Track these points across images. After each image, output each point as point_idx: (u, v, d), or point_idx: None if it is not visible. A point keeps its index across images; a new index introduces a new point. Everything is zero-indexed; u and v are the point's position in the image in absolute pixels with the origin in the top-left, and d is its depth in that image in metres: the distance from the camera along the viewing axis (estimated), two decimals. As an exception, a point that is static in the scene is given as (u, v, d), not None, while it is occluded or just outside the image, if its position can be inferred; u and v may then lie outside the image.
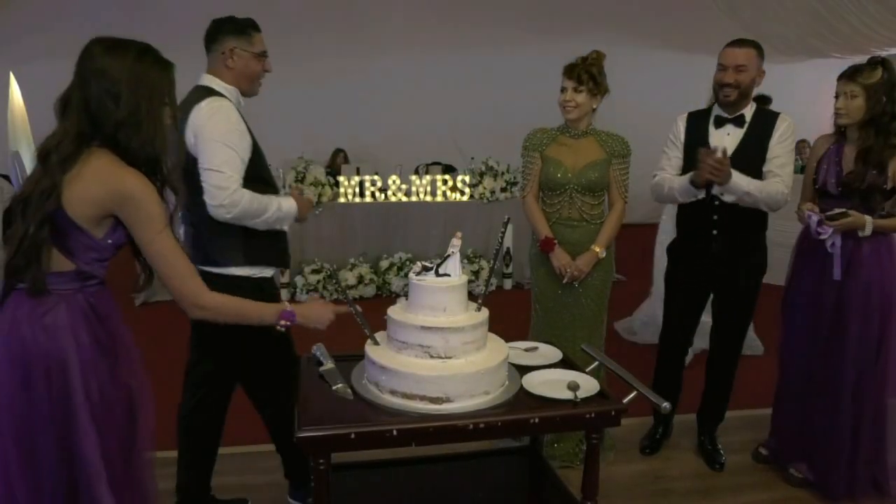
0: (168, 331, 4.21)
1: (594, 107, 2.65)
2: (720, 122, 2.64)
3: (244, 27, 2.19)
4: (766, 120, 2.61)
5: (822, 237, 2.47)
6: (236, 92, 2.23)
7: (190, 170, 2.06)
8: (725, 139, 2.61)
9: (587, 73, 2.57)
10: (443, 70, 8.13)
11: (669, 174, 2.70)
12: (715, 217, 2.64)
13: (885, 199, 2.46)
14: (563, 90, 2.64)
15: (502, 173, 5.84)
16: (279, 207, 2.19)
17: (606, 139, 2.70)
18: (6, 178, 6.19)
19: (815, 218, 2.48)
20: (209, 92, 2.16)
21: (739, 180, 2.45)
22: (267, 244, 2.24)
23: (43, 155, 1.56)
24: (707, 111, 2.71)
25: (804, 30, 6.33)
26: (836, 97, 2.50)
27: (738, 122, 2.61)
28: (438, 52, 7.91)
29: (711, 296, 2.84)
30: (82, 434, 1.55)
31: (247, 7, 7.04)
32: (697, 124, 2.68)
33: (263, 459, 2.89)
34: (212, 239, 2.16)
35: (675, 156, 2.71)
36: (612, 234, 2.72)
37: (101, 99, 1.54)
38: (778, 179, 2.53)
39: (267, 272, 2.27)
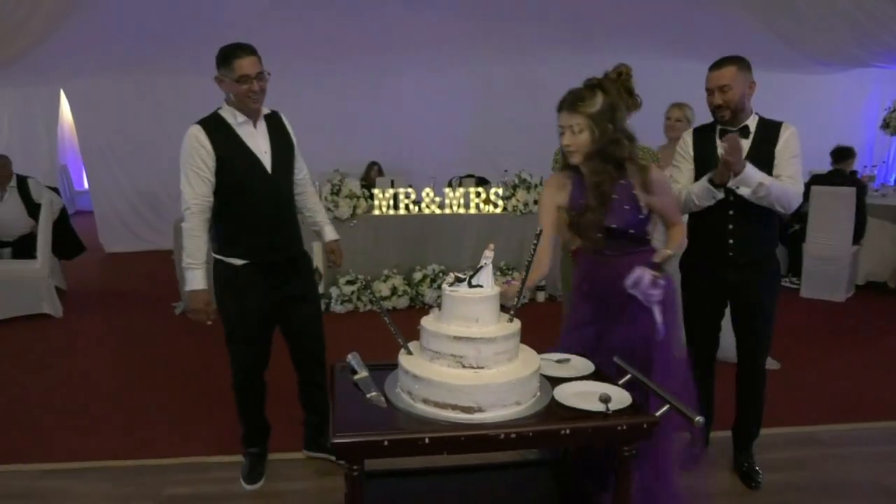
0: (209, 341, 4.31)
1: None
2: (726, 135, 2.64)
3: (225, 56, 2.50)
4: (770, 129, 2.63)
5: (656, 299, 2.13)
6: (234, 112, 2.59)
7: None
8: None
9: (625, 89, 2.59)
10: (476, 83, 8.19)
11: (683, 185, 2.72)
12: (730, 226, 2.64)
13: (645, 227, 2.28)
14: None
15: (535, 186, 5.84)
16: (186, 271, 2.58)
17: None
18: (56, 190, 6.42)
19: (647, 278, 2.11)
20: (210, 115, 2.62)
21: (752, 171, 2.46)
22: (234, 240, 2.64)
23: None
24: (712, 125, 2.73)
25: (844, 39, 6.20)
26: (562, 132, 2.23)
27: (743, 133, 2.63)
28: (472, 65, 7.97)
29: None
30: None
31: (281, 25, 7.21)
32: (704, 138, 2.72)
33: (291, 466, 2.95)
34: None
35: (688, 168, 2.73)
36: None
37: None
38: (790, 182, 2.55)
39: (235, 261, 2.64)
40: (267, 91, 2.58)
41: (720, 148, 2.58)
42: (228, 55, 2.49)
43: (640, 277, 2.14)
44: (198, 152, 2.52)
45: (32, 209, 5.61)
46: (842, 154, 6.33)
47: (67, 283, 6.27)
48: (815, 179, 6.14)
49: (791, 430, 3.29)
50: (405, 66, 8.09)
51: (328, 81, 8.25)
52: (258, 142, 2.64)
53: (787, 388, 3.74)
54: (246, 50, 2.50)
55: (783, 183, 2.53)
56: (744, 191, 2.50)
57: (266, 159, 2.64)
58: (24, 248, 5.57)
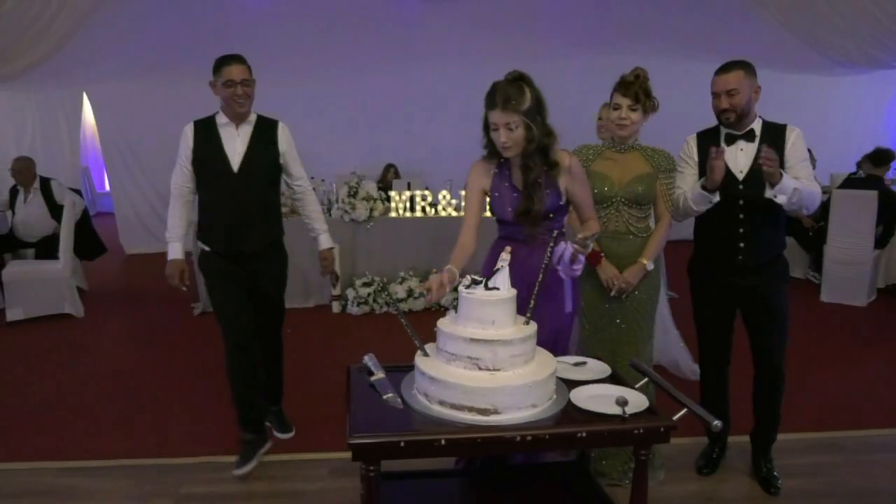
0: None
1: (644, 123, 2.66)
2: (731, 139, 2.64)
3: (218, 64, 2.82)
4: (776, 132, 2.61)
5: (577, 273, 2.29)
6: (222, 114, 2.88)
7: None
8: (739, 154, 2.63)
9: (643, 92, 2.59)
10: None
11: (685, 191, 2.71)
12: (741, 230, 2.63)
13: (563, 216, 2.42)
14: (616, 107, 2.63)
15: (551, 188, 5.81)
16: (168, 240, 2.93)
17: (652, 154, 2.69)
18: (78, 191, 6.52)
19: (569, 252, 2.22)
20: (207, 116, 2.92)
21: (787, 179, 2.46)
22: (204, 228, 2.97)
23: None
24: (716, 130, 2.71)
25: (865, 41, 6.11)
26: (496, 129, 2.27)
27: (749, 136, 2.62)
28: (489, 68, 7.95)
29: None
30: None
31: (301, 31, 7.24)
32: (708, 143, 2.69)
33: (307, 466, 2.97)
34: None
35: (691, 174, 2.71)
36: (659, 247, 2.70)
37: None
38: (810, 184, 2.54)
39: (205, 247, 2.98)
40: (253, 97, 2.86)
41: (727, 154, 2.56)
42: (220, 63, 2.80)
43: (564, 251, 2.24)
44: (182, 146, 2.91)
45: (55, 210, 5.71)
46: (882, 157, 5.91)
47: (88, 284, 6.36)
48: (849, 184, 5.92)
49: (811, 435, 3.25)
50: (423, 69, 8.11)
51: (346, 85, 8.30)
52: (235, 143, 2.87)
53: (807, 394, 3.70)
54: (235, 59, 2.81)
55: (808, 184, 2.53)
56: (781, 199, 2.49)
57: (236, 160, 2.86)
58: (46, 248, 5.67)
